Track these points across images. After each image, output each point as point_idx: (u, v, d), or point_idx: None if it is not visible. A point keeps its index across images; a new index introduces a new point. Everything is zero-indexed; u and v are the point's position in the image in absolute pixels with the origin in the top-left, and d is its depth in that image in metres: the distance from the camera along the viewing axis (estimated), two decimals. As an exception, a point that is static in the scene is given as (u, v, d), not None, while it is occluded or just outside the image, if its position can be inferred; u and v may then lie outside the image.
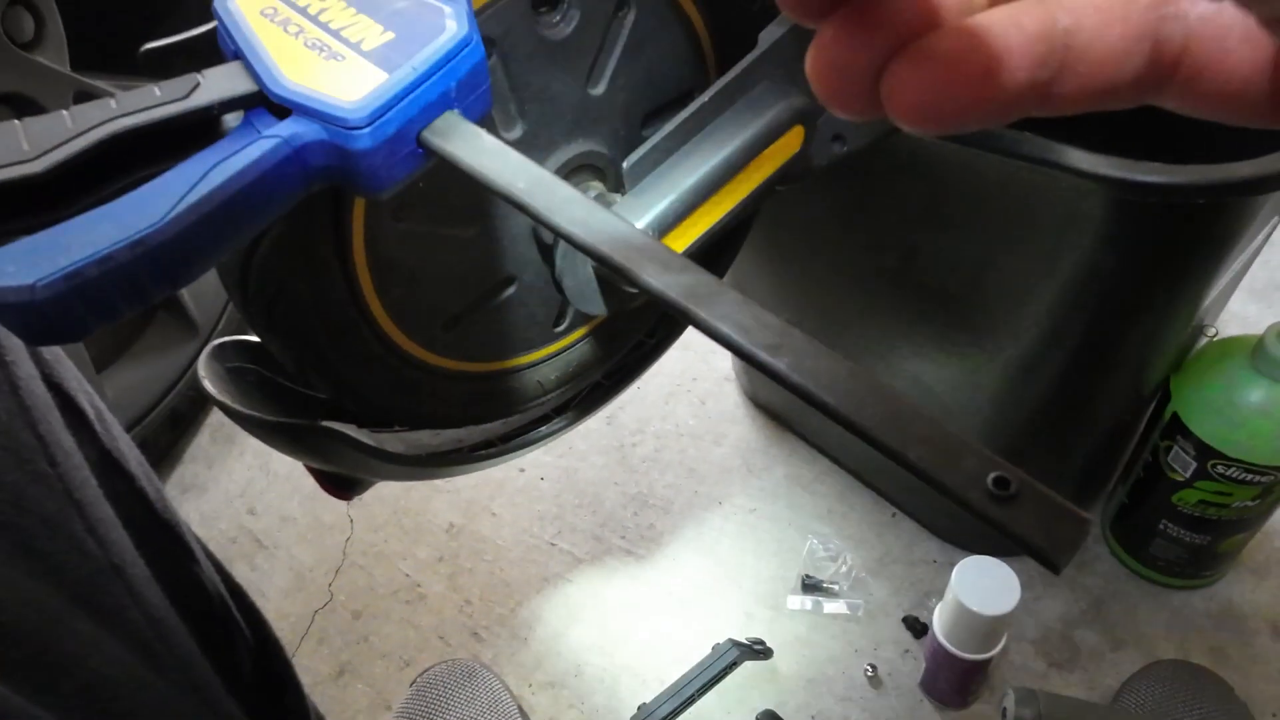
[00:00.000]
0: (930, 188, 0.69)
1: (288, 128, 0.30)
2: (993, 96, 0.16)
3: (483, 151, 0.30)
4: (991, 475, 0.22)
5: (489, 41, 0.47)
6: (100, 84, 1.00)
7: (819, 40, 0.17)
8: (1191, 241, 0.66)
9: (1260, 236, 0.76)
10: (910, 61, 0.16)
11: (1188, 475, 0.85)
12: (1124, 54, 0.17)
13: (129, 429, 1.07)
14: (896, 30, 0.16)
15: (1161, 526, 0.90)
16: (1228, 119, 0.18)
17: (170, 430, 1.17)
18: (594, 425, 1.14)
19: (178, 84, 0.31)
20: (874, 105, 0.17)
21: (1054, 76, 0.17)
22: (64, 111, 0.30)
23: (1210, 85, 0.17)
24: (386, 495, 1.12)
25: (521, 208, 0.29)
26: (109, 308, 0.27)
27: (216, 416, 1.22)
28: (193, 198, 0.28)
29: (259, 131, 0.30)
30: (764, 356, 0.25)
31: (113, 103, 0.30)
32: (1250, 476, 0.81)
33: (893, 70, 0.16)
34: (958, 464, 0.22)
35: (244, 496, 1.15)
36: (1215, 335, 0.85)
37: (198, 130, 0.31)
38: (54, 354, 0.46)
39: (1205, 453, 0.81)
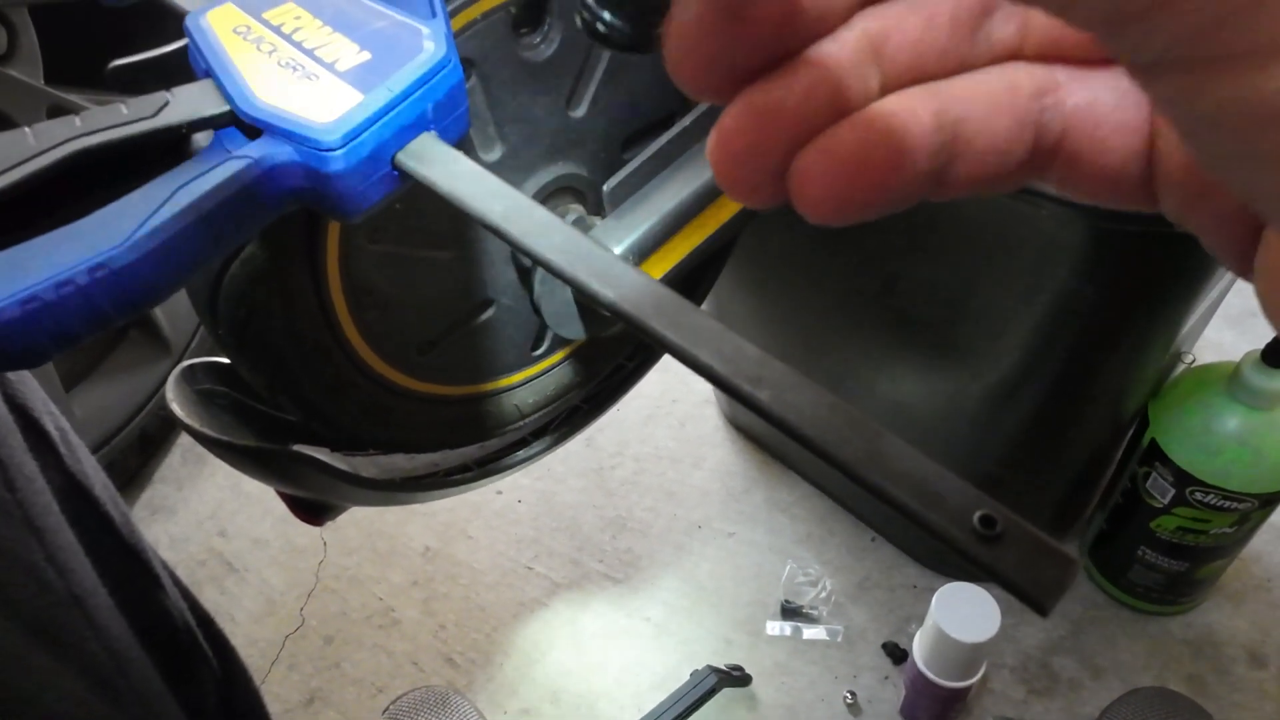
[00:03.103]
0: (910, 215, 0.69)
1: (259, 148, 0.29)
2: (895, 186, 0.17)
3: (459, 175, 0.29)
4: (977, 514, 0.21)
5: (468, 63, 0.47)
6: (74, 98, 0.98)
7: (721, 128, 0.17)
8: (1169, 270, 0.66)
9: (1236, 265, 0.76)
10: (819, 155, 0.16)
11: (1166, 502, 0.85)
12: (1009, 142, 0.17)
13: (98, 449, 1.05)
14: (803, 121, 0.16)
15: (1140, 553, 0.90)
16: (1104, 202, 0.18)
17: (140, 451, 1.15)
18: (572, 448, 1.13)
19: (146, 102, 0.31)
20: (778, 196, 0.17)
21: (947, 165, 0.17)
22: (26, 129, 0.29)
23: (1086, 171, 0.18)
24: (361, 518, 1.10)
25: (498, 233, 0.28)
26: (67, 333, 0.26)
27: (188, 437, 1.20)
28: (157, 220, 0.27)
29: (229, 152, 0.29)
30: (745, 388, 0.24)
31: (77, 120, 0.29)
32: (1228, 503, 0.81)
33: (801, 164, 0.16)
34: (942, 502, 0.22)
35: (215, 518, 1.13)
36: (1193, 362, 0.86)
37: (166, 150, 0.30)
38: (19, 373, 0.45)
39: (1183, 479, 0.82)
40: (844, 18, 0.17)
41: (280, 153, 0.29)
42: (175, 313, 1.15)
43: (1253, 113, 0.11)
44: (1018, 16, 0.18)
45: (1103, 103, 0.18)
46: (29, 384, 0.46)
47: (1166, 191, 0.18)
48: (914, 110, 0.17)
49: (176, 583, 0.56)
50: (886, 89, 0.17)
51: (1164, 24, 0.11)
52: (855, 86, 0.17)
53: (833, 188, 0.16)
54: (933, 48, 0.18)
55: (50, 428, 0.46)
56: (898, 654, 0.95)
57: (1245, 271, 0.17)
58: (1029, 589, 0.21)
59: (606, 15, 0.18)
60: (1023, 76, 0.16)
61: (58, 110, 0.98)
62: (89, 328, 0.26)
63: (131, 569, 0.50)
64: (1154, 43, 0.12)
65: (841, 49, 0.17)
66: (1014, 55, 0.18)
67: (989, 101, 0.17)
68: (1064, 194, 0.19)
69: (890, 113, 0.17)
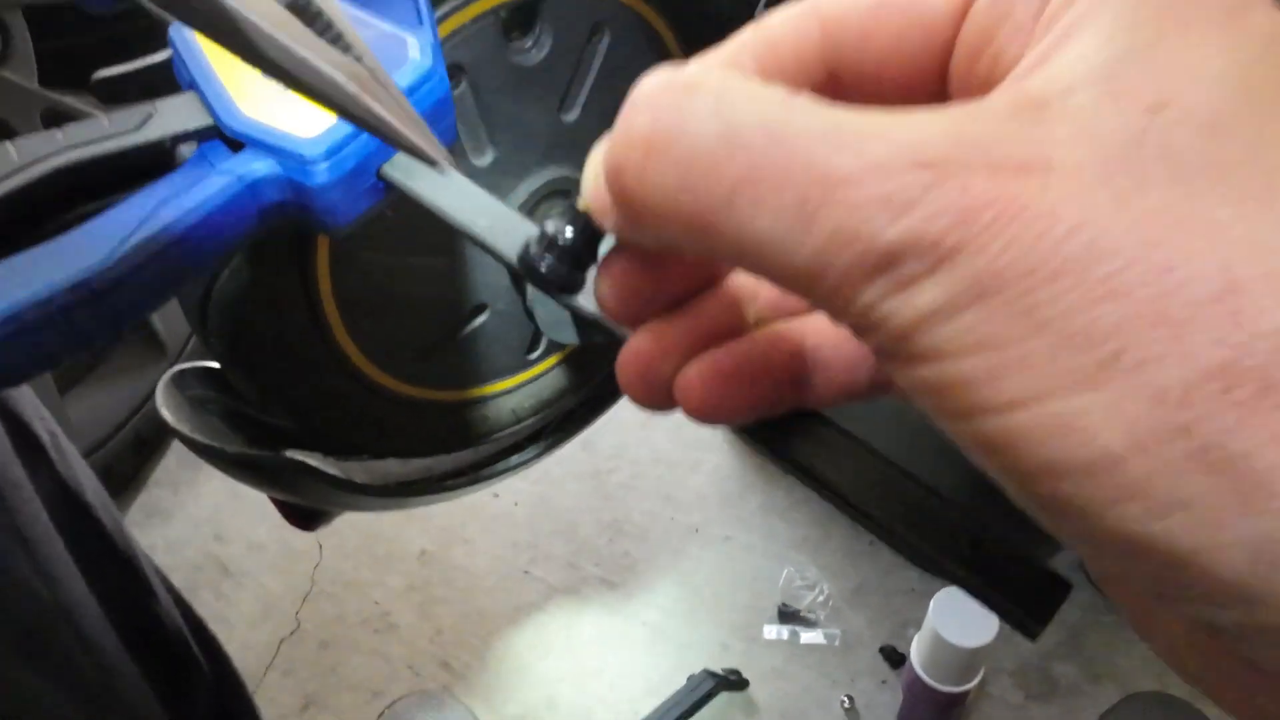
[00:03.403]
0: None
1: (242, 162, 0.29)
2: (761, 401, 0.21)
3: (444, 186, 0.29)
4: (969, 538, 0.21)
5: (458, 68, 0.46)
6: (69, 101, 0.98)
7: (625, 351, 0.21)
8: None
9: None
10: (696, 374, 0.20)
11: (1164, 506, 0.84)
12: (854, 368, 0.21)
13: (92, 452, 1.05)
14: (688, 348, 0.20)
15: (1138, 557, 0.90)
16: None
17: (135, 454, 1.14)
18: (570, 451, 1.13)
19: (129, 115, 0.30)
20: (669, 404, 0.21)
21: (806, 383, 0.21)
22: (8, 143, 0.29)
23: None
24: (357, 522, 1.10)
25: (483, 246, 0.28)
26: (48, 354, 0.25)
27: (185, 439, 1.19)
28: (139, 236, 0.27)
29: (212, 165, 0.29)
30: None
31: (60, 135, 0.29)
32: (1226, 508, 0.81)
33: (681, 380, 0.20)
34: (934, 525, 0.21)
35: (211, 522, 1.13)
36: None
37: (149, 163, 0.30)
38: None
39: (1181, 484, 0.81)
40: (730, 269, 0.21)
41: (264, 167, 0.29)
42: (171, 317, 1.15)
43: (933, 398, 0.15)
44: None
45: None
46: (20, 389, 0.45)
47: None
48: (780, 340, 0.21)
49: (170, 588, 0.56)
50: (762, 320, 0.21)
51: (879, 328, 0.15)
52: (736, 318, 0.21)
53: (707, 399, 0.20)
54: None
55: (42, 433, 0.45)
56: (895, 658, 0.94)
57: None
58: (1019, 614, 0.20)
59: (548, 261, 0.21)
60: None
61: (53, 113, 0.98)
62: (70, 348, 0.26)
63: (123, 577, 0.50)
64: (871, 340, 0.15)
65: (727, 291, 0.21)
66: None
67: (835, 337, 0.21)
68: (906, 400, 0.22)
69: (760, 342, 0.21)
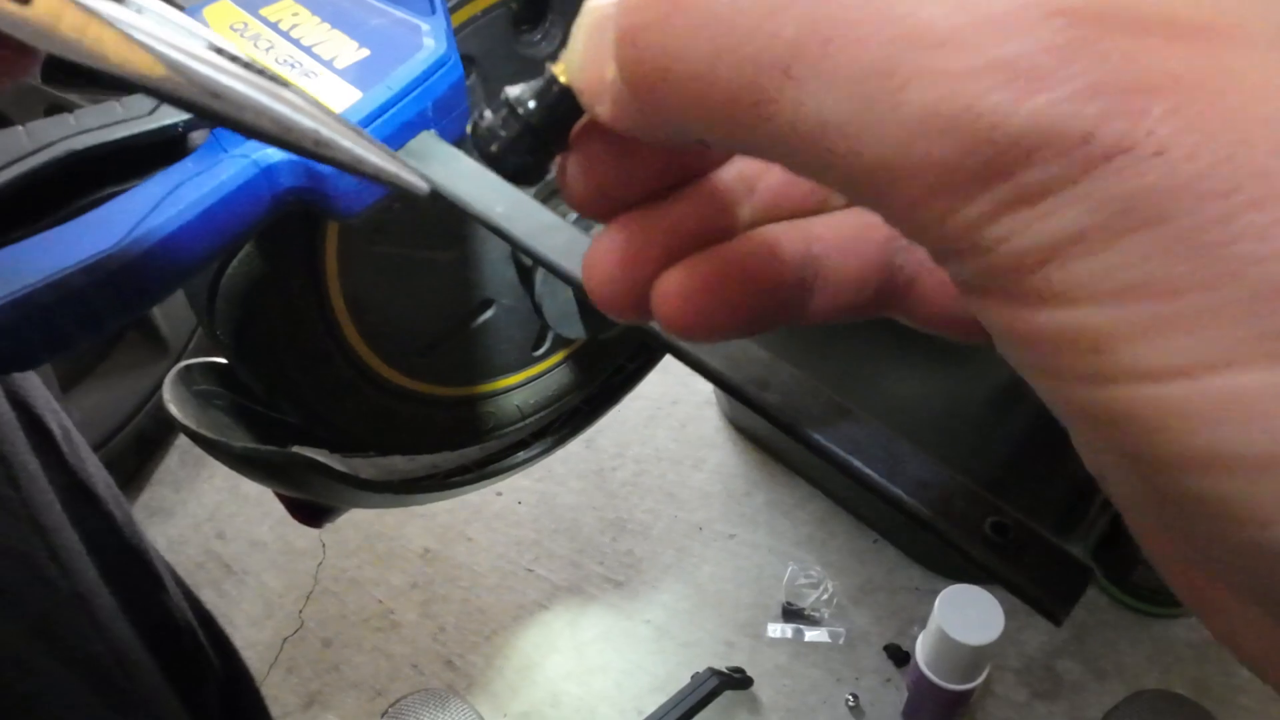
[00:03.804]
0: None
1: (255, 147, 0.29)
2: (754, 313, 0.18)
3: (460, 174, 0.29)
4: (990, 521, 0.21)
5: (468, 59, 0.46)
6: (72, 97, 0.98)
7: (594, 248, 0.18)
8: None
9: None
10: (680, 278, 0.17)
11: (1169, 504, 0.84)
12: (861, 281, 0.18)
13: (95, 450, 1.05)
14: (670, 246, 0.17)
15: (1144, 555, 0.90)
16: (949, 337, 0.19)
17: (137, 452, 1.14)
18: (573, 449, 1.13)
19: (142, 100, 0.30)
20: (643, 315, 0.18)
21: (805, 297, 0.18)
22: (20, 127, 0.29)
23: (933, 312, 0.19)
24: (360, 520, 1.10)
25: (499, 233, 0.27)
26: (62, 337, 0.25)
27: (186, 439, 1.19)
28: (153, 220, 0.26)
29: (226, 150, 0.29)
30: (752, 392, 0.24)
31: (72, 119, 0.29)
32: (1232, 505, 0.80)
33: (662, 285, 0.17)
34: (954, 508, 0.21)
35: (213, 520, 1.12)
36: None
37: (162, 148, 0.30)
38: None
39: (1187, 481, 0.81)
40: (723, 160, 0.18)
41: (277, 151, 0.28)
42: (173, 313, 1.15)
43: (1038, 350, 0.12)
44: None
45: None
46: (31, 382, 0.45)
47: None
48: (775, 247, 0.18)
49: (178, 582, 0.56)
50: (756, 222, 0.18)
51: (978, 258, 0.12)
52: (726, 217, 0.18)
53: (688, 311, 0.17)
54: (799, 188, 0.18)
55: (53, 426, 0.45)
56: (900, 656, 0.94)
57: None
58: (1043, 598, 0.20)
59: (503, 141, 0.17)
60: (878, 220, 0.16)
61: (56, 109, 0.97)
62: (83, 330, 0.26)
63: (133, 568, 0.50)
64: (966, 269, 0.12)
65: (716, 184, 0.18)
66: None
67: (845, 242, 0.18)
68: (913, 325, 0.20)
69: (755, 246, 0.18)
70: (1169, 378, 0.10)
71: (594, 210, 0.18)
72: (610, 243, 0.17)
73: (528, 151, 0.17)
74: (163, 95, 0.19)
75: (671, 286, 0.17)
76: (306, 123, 0.20)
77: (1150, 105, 0.10)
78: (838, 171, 0.12)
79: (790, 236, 0.18)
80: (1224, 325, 0.10)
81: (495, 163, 0.18)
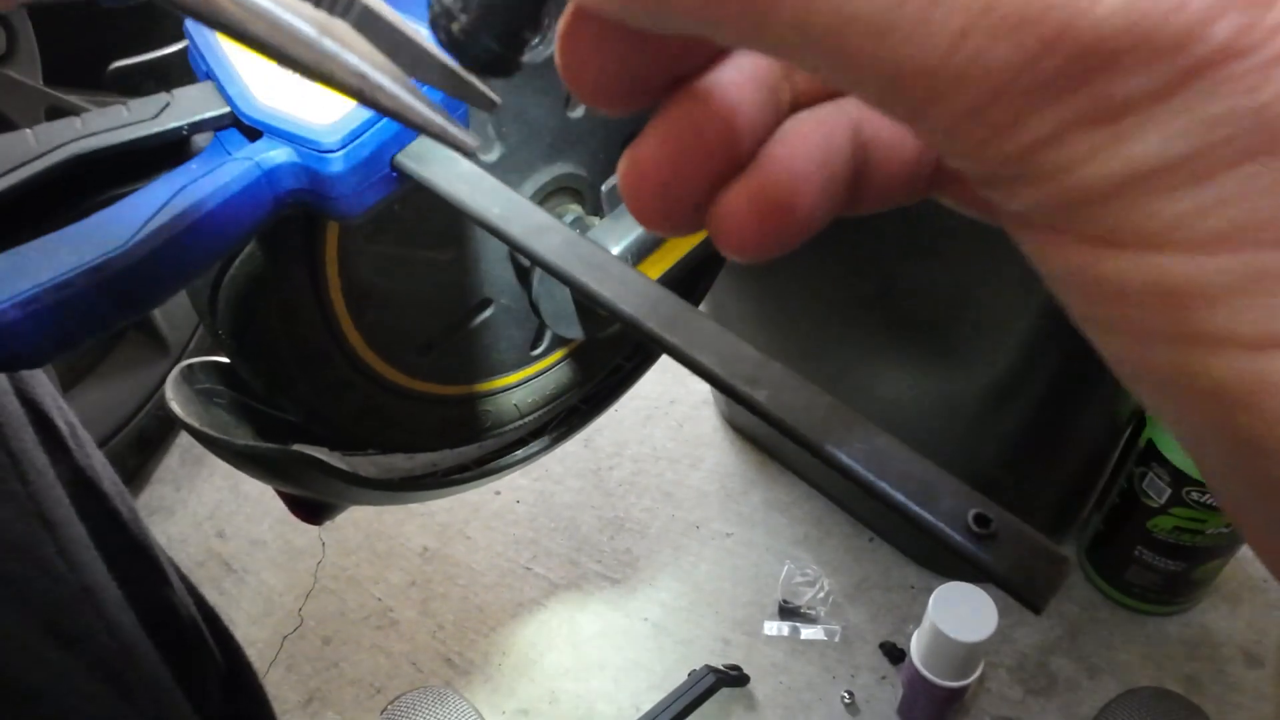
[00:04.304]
0: (908, 217, 0.69)
1: (258, 150, 0.29)
2: (817, 218, 0.16)
3: (458, 176, 0.29)
4: (972, 513, 0.22)
5: (467, 64, 0.47)
6: (74, 99, 0.98)
7: (636, 158, 0.15)
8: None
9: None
10: (744, 201, 0.15)
11: (1162, 502, 0.85)
12: (917, 162, 0.16)
13: (96, 449, 1.05)
14: (723, 153, 0.15)
15: (1137, 553, 0.91)
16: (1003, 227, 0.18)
17: (138, 451, 1.15)
18: (571, 448, 1.13)
19: (147, 104, 0.31)
20: (695, 228, 0.16)
21: (860, 185, 0.16)
22: (27, 130, 0.29)
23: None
24: (359, 518, 1.10)
25: (497, 233, 0.28)
26: (68, 336, 0.26)
27: (186, 438, 1.20)
28: (158, 221, 0.27)
29: (229, 153, 0.29)
30: (742, 389, 0.24)
31: (78, 122, 0.30)
32: (1224, 504, 0.81)
33: (726, 208, 0.15)
34: (938, 501, 0.22)
35: (213, 519, 1.13)
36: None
37: (166, 151, 0.30)
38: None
39: (1179, 479, 0.82)
40: None
41: (280, 154, 0.29)
42: (174, 313, 1.15)
43: (1102, 292, 0.10)
44: None
45: None
46: (38, 379, 0.46)
47: None
48: (831, 137, 0.15)
49: (182, 578, 0.56)
50: (798, 104, 0.16)
51: (1032, 190, 0.10)
52: (770, 106, 0.15)
53: (759, 231, 0.15)
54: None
55: (60, 422, 0.46)
56: (895, 654, 0.95)
57: None
58: (1023, 587, 0.21)
59: (464, 22, 0.13)
60: None
61: (57, 111, 0.98)
62: (89, 330, 0.26)
63: (139, 564, 0.50)
64: (1021, 199, 0.10)
65: (755, 67, 0.15)
66: None
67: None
68: (957, 208, 0.18)
69: (808, 145, 0.15)
70: (1270, 347, 0.08)
71: (605, 96, 0.15)
72: (654, 152, 0.15)
73: (494, 36, 0.14)
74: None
75: (737, 210, 0.15)
76: (350, 60, 0.18)
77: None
78: (873, 77, 0.10)
79: (839, 124, 0.16)
80: None
81: (458, 50, 0.15)
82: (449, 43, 0.15)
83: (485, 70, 0.15)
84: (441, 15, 0.14)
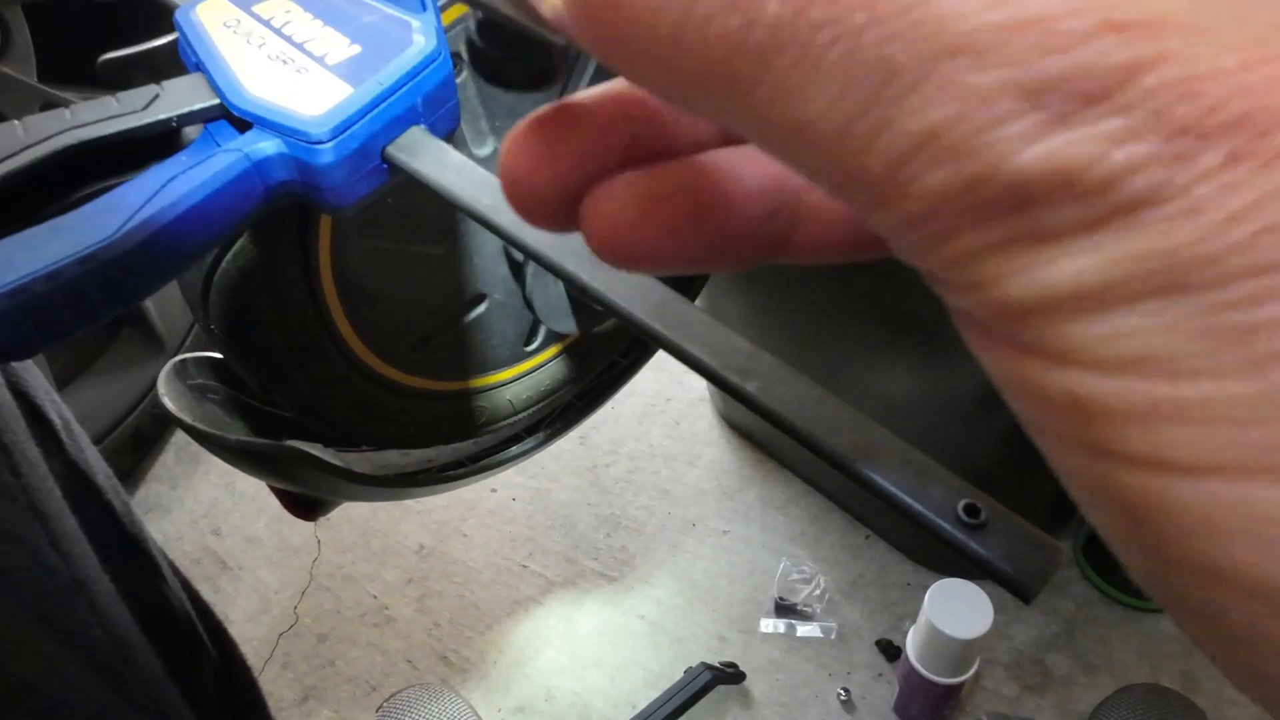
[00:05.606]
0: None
1: (248, 141, 0.29)
2: (702, 249, 0.15)
3: (448, 167, 0.29)
4: (962, 503, 0.21)
5: (459, 58, 0.47)
6: (67, 95, 0.98)
7: (512, 136, 0.15)
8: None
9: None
10: (617, 198, 0.14)
11: (1158, 499, 0.85)
12: (856, 218, 0.15)
13: (91, 447, 1.05)
14: (608, 149, 0.14)
15: (1132, 550, 0.91)
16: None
17: (133, 449, 1.15)
18: (566, 446, 1.13)
19: (136, 95, 0.31)
20: (567, 225, 0.15)
21: (782, 232, 0.15)
22: (16, 122, 0.29)
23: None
24: (355, 516, 1.10)
25: (487, 225, 0.28)
26: (57, 326, 0.26)
27: (181, 435, 1.20)
28: (147, 212, 0.27)
29: (218, 144, 0.29)
30: (733, 380, 0.24)
31: (68, 114, 0.29)
32: (1219, 500, 0.81)
33: (596, 204, 0.14)
34: (927, 491, 0.22)
35: (209, 517, 1.13)
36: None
37: (156, 143, 0.30)
38: (22, 362, 0.45)
39: (1175, 476, 0.82)
40: None
41: (270, 145, 0.29)
42: (169, 311, 1.15)
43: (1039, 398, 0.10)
44: None
45: None
46: (31, 372, 0.46)
47: None
48: (742, 170, 0.15)
49: (176, 573, 0.56)
50: (721, 142, 0.15)
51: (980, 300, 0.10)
52: (683, 128, 0.15)
53: (629, 234, 0.14)
54: None
55: (53, 416, 0.46)
56: (891, 651, 0.95)
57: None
58: (1013, 576, 0.21)
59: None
60: None
61: (51, 107, 0.98)
62: (78, 320, 0.26)
63: (133, 557, 0.50)
64: (957, 300, 0.10)
65: None
66: None
67: None
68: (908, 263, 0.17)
69: (712, 168, 0.14)
70: (1176, 472, 0.09)
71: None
72: (532, 133, 0.14)
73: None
74: None
75: (607, 204, 0.14)
76: None
77: (1200, 153, 0.08)
78: (820, 175, 0.10)
79: (761, 162, 0.15)
80: (1238, 426, 0.08)
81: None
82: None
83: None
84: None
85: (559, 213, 0.15)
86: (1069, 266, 0.09)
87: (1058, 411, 0.10)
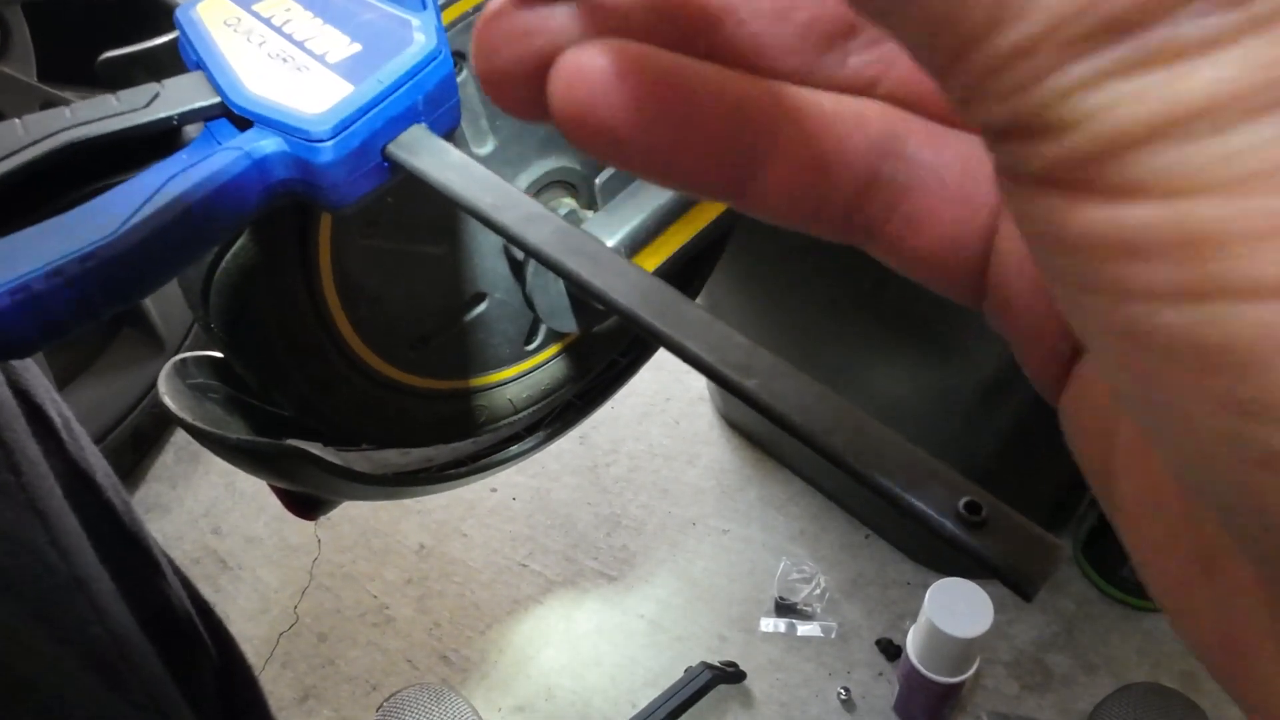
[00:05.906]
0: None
1: (249, 139, 0.29)
2: (666, 146, 0.13)
3: (449, 166, 0.29)
4: (962, 500, 0.21)
5: (460, 56, 0.47)
6: (67, 95, 0.98)
7: (487, 10, 0.13)
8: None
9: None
10: (593, 62, 0.13)
11: (1158, 498, 0.85)
12: (824, 172, 0.15)
13: (91, 447, 1.05)
14: (594, 25, 0.13)
15: (1132, 549, 0.91)
16: (922, 280, 0.16)
17: (134, 449, 1.15)
18: (566, 445, 1.13)
19: (137, 94, 0.31)
20: (535, 109, 0.13)
21: (749, 165, 0.14)
22: (16, 120, 0.29)
23: (912, 243, 0.16)
24: (355, 516, 1.10)
25: (489, 223, 0.28)
26: (57, 324, 0.26)
27: (181, 435, 1.20)
28: (148, 210, 0.27)
29: (219, 143, 0.29)
30: (732, 377, 0.24)
31: (68, 112, 0.29)
32: (1219, 499, 0.81)
33: (567, 65, 0.13)
34: (927, 488, 0.22)
35: (209, 516, 1.13)
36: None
37: (156, 141, 0.30)
38: (22, 360, 0.45)
39: (1175, 475, 0.82)
40: None
41: (270, 144, 0.29)
42: (169, 311, 1.15)
43: (1129, 250, 0.09)
44: (879, 47, 0.15)
45: (950, 169, 0.15)
46: (32, 371, 0.46)
47: (994, 291, 0.16)
48: (736, 84, 0.14)
49: (176, 571, 0.56)
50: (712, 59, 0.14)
51: (1057, 145, 0.09)
52: (675, 30, 0.14)
53: (595, 100, 0.12)
54: (776, 41, 0.15)
55: (53, 414, 0.46)
56: (891, 650, 0.95)
57: (1050, 398, 0.15)
58: (1014, 575, 0.21)
59: None
60: (873, 114, 0.13)
61: (50, 107, 0.98)
62: (78, 318, 0.26)
63: (133, 556, 0.50)
64: (1044, 154, 0.09)
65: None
66: (865, 90, 0.15)
67: (825, 117, 0.14)
68: (883, 260, 0.16)
69: (702, 71, 0.13)
70: None
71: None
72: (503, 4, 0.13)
73: None
74: None
75: (578, 65, 0.13)
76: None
77: None
78: (909, 13, 0.09)
79: (757, 86, 0.14)
80: None
81: None
82: None
83: None
84: None
85: (530, 96, 0.13)
86: (1205, 77, 0.08)
87: (1165, 252, 0.08)
